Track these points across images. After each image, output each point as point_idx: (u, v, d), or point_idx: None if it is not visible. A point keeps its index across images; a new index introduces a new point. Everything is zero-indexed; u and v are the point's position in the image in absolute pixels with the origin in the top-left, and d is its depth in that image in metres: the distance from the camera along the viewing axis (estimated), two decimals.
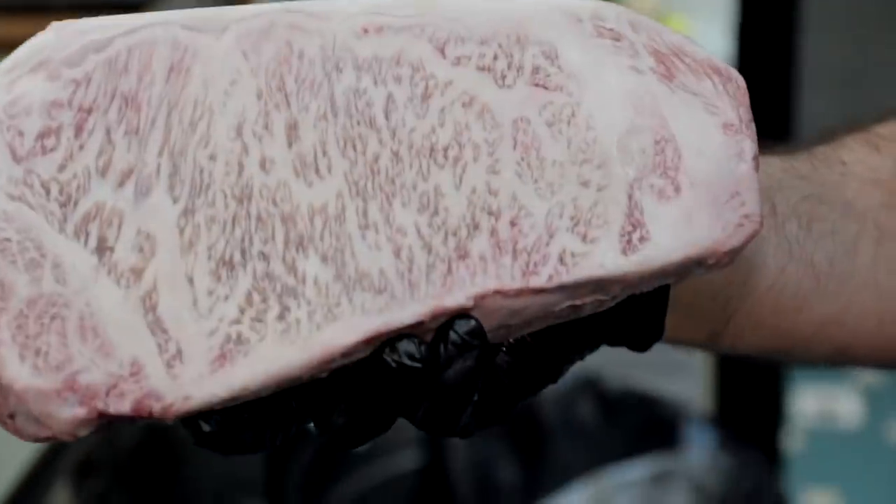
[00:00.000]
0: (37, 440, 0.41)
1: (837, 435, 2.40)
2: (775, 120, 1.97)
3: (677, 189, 0.45)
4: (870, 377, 2.45)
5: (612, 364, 1.56)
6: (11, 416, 0.41)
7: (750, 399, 2.05)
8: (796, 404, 2.39)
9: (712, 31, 1.84)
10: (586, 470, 1.45)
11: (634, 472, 1.46)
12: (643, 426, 1.57)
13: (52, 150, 0.42)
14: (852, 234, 0.55)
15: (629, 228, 0.44)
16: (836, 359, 0.58)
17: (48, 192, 0.42)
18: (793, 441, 2.29)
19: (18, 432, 0.41)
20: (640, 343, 0.47)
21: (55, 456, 1.01)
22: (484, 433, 1.69)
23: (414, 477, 1.57)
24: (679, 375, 1.74)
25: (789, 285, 0.53)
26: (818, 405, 2.44)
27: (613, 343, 0.47)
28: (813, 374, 2.40)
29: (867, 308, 0.55)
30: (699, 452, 1.50)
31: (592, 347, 0.46)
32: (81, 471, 1.10)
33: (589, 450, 1.53)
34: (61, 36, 0.44)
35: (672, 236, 0.44)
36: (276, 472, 1.56)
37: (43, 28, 0.44)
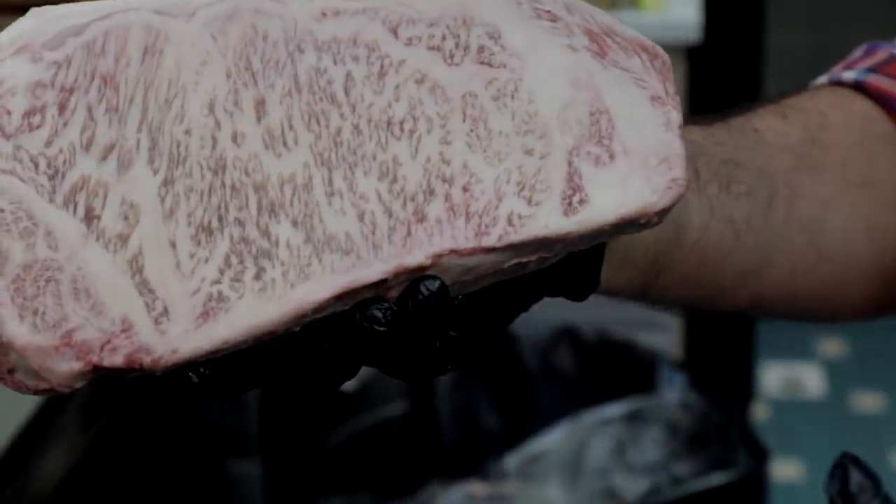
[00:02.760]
0: (35, 393, 0.44)
1: (802, 406, 2.49)
2: (744, 90, 2.05)
3: (612, 156, 0.49)
4: (832, 350, 2.54)
5: (588, 320, 1.64)
6: (11, 371, 0.44)
7: (719, 347, 2.09)
8: (763, 378, 2.48)
9: (683, 4, 1.87)
10: (565, 414, 1.49)
11: (611, 411, 1.51)
12: (619, 371, 1.62)
13: (38, 127, 0.45)
14: (766, 195, 0.60)
15: (569, 192, 0.49)
16: (752, 308, 0.64)
17: (37, 165, 0.45)
18: (759, 412, 2.37)
19: (18, 386, 0.44)
20: (578, 294, 0.52)
21: (59, 401, 1.02)
22: (467, 381, 1.72)
23: (401, 423, 1.61)
24: (652, 329, 1.79)
25: (711, 240, 0.58)
26: (783, 378, 2.53)
27: (554, 294, 0.51)
28: (778, 350, 2.48)
29: (780, 261, 0.61)
30: (671, 394, 1.54)
31: (536, 299, 0.51)
32: (85, 413, 1.12)
33: (567, 395, 1.58)
34: (41, 21, 0.47)
35: (608, 199, 0.49)
36: (269, 425, 1.59)
37: None
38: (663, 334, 1.83)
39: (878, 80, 0.66)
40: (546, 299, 0.52)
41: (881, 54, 0.67)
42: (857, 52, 0.68)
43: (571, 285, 0.52)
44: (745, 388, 2.16)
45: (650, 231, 0.51)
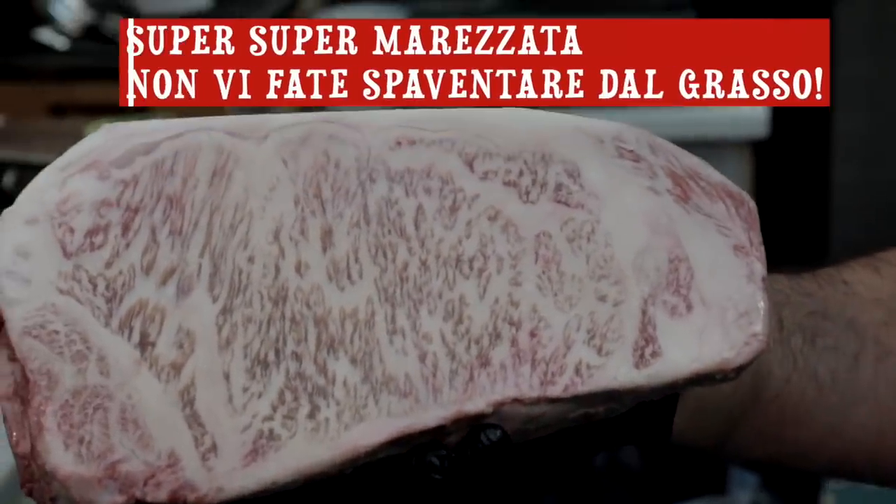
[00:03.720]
0: None
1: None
2: (813, 179, 2.01)
3: (689, 307, 0.47)
4: None
5: None
6: (53, 500, 0.43)
7: None
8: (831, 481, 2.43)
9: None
10: None
11: None
12: (689, 471, 1.59)
13: (100, 247, 0.45)
14: (854, 350, 0.57)
15: (642, 343, 0.47)
16: (835, 470, 0.61)
17: (95, 287, 0.44)
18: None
19: None
20: (649, 444, 0.50)
21: None
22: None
23: None
24: None
25: (793, 396, 0.56)
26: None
27: (623, 444, 0.49)
28: None
29: (867, 421, 0.58)
30: (743, 495, 1.52)
31: (604, 449, 0.49)
32: None
33: (635, 494, 1.56)
34: (111, 137, 0.46)
35: (683, 352, 0.47)
36: None
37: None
38: None
39: None
40: None
41: None
42: None
43: (642, 435, 0.49)
44: (814, 489, 2.11)
45: (727, 384, 0.49)
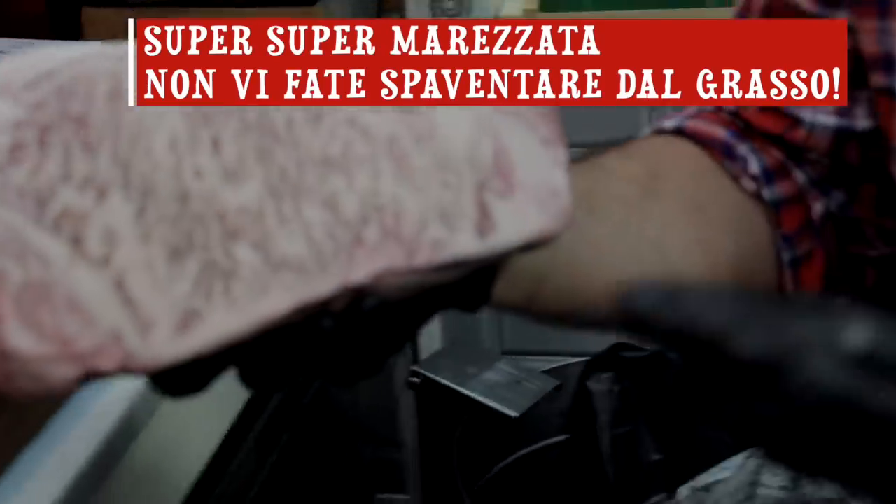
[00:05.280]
0: (32, 396, 0.49)
1: None
2: None
3: (512, 189, 0.58)
4: None
5: None
6: (9, 378, 0.48)
7: None
8: None
9: None
10: (729, 448, 1.36)
11: None
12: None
13: (22, 161, 0.50)
14: (621, 217, 0.70)
15: (481, 219, 0.57)
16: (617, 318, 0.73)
17: (23, 195, 0.50)
18: None
19: (17, 391, 0.49)
20: (473, 306, 0.60)
21: (239, 430, 1.09)
22: (627, 413, 1.63)
23: (561, 449, 1.60)
24: None
25: (581, 257, 0.68)
26: None
27: (453, 307, 0.59)
28: None
29: (637, 273, 0.71)
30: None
31: (441, 309, 0.58)
32: (263, 443, 1.16)
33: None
34: (16, 66, 0.52)
35: (512, 225, 0.57)
36: (428, 459, 1.61)
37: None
38: None
39: (694, 124, 0.78)
40: None
41: (690, 109, 0.80)
42: (670, 114, 0.80)
43: (468, 299, 0.59)
44: None
45: (532, 253, 0.60)
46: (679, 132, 0.79)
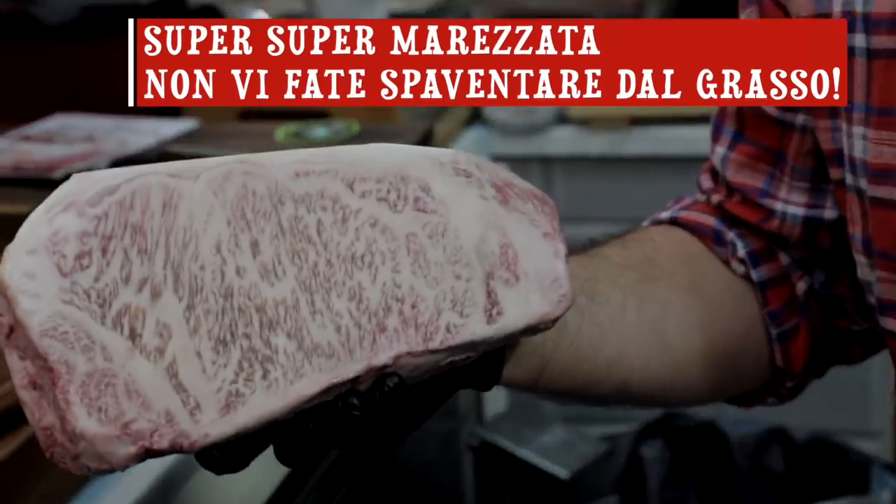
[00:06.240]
0: (96, 473, 0.56)
1: None
2: None
3: (517, 278, 0.65)
4: None
5: (799, 425, 1.61)
6: (76, 458, 0.56)
7: None
8: None
9: None
10: None
11: None
12: (830, 473, 1.59)
13: (87, 266, 0.58)
14: (620, 302, 0.77)
15: (489, 306, 0.64)
16: (620, 394, 0.80)
17: (89, 297, 0.58)
18: None
19: (80, 469, 0.56)
20: (485, 385, 0.67)
21: (297, 481, 1.13)
22: (677, 479, 1.67)
23: None
24: (864, 436, 1.75)
25: (583, 339, 0.75)
26: None
27: (468, 386, 0.66)
28: None
29: (636, 351, 0.78)
30: (884, 495, 1.51)
31: (456, 390, 0.65)
32: (322, 494, 1.20)
33: (778, 495, 1.56)
34: (81, 183, 0.60)
35: (517, 311, 0.65)
36: None
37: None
38: (874, 441, 1.80)
39: (687, 215, 0.85)
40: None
41: (686, 201, 0.88)
42: (669, 203, 0.88)
43: (481, 379, 0.67)
44: None
45: (538, 335, 0.67)
46: (673, 222, 0.86)
